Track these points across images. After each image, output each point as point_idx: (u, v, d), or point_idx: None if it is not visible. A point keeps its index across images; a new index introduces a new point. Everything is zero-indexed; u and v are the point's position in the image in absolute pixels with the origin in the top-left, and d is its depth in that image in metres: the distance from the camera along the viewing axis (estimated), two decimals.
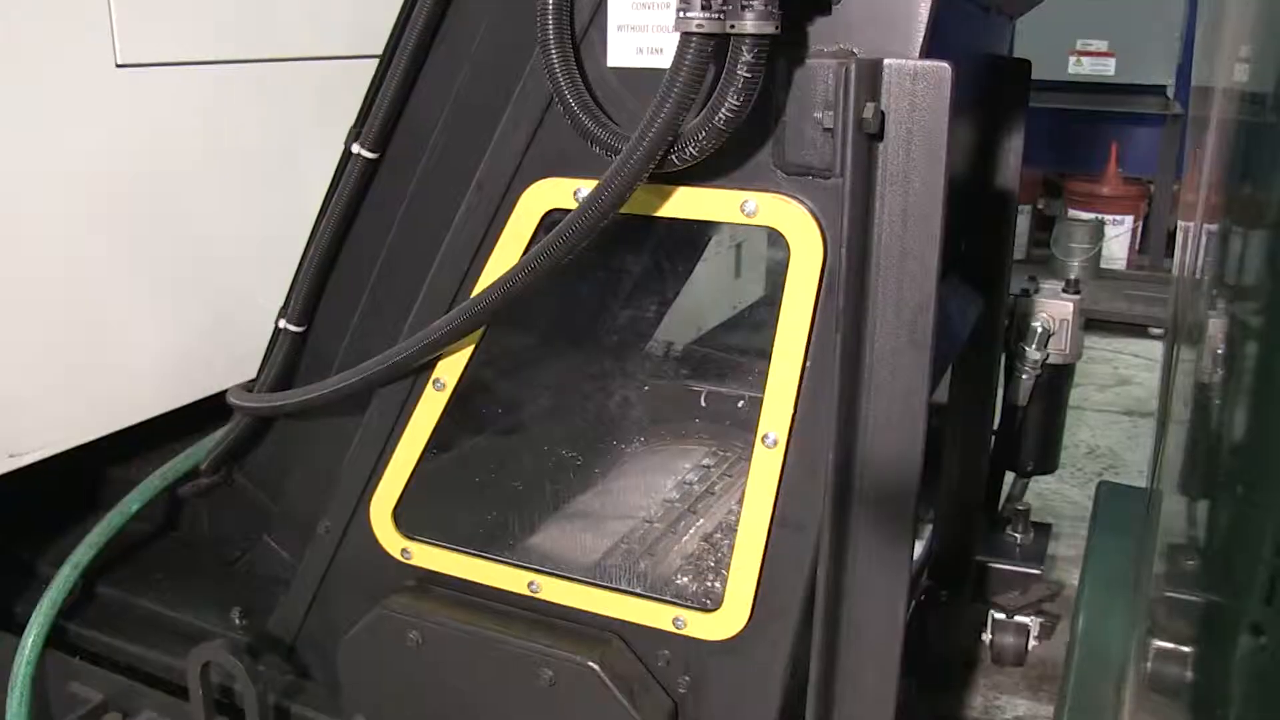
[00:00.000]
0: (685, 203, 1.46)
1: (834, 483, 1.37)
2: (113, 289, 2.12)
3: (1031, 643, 2.67)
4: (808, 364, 1.42)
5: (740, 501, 2.06)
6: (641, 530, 2.04)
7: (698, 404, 2.41)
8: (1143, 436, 4.69)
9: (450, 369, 1.68)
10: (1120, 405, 5.05)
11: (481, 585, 1.73)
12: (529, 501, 2.08)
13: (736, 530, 1.54)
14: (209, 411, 2.30)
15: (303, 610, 1.99)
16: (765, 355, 1.46)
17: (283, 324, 2.03)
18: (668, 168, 1.38)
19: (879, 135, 1.29)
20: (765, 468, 1.47)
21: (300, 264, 2.01)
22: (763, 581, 1.51)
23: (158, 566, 2.31)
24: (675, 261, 2.54)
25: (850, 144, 1.28)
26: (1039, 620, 2.66)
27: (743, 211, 1.42)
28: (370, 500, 1.80)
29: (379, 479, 1.78)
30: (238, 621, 2.04)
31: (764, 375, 1.47)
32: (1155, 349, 5.80)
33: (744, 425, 2.25)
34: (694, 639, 1.59)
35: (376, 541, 1.81)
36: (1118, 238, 7.40)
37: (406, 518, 1.79)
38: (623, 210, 1.41)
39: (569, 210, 1.45)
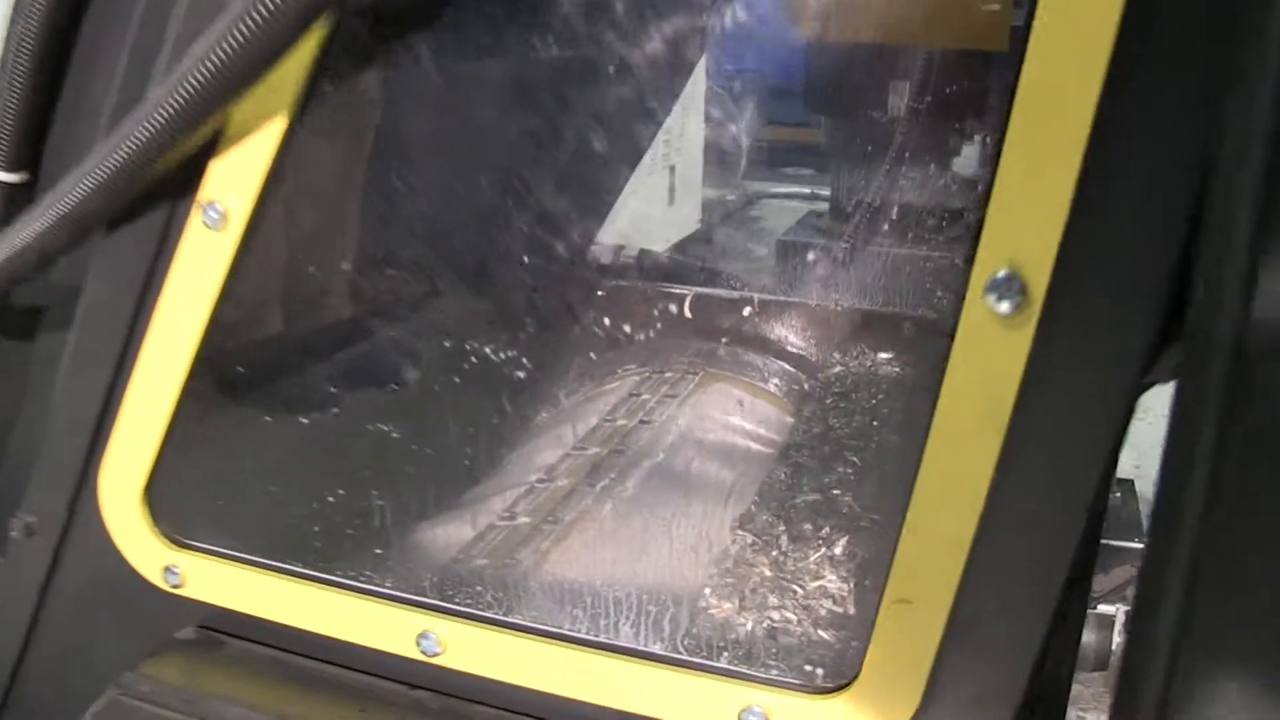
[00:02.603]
0: None
1: (1181, 413, 0.53)
2: None
3: (1115, 639, 1.98)
4: (1087, 170, 0.57)
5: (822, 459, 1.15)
6: (642, 528, 1.12)
7: (677, 313, 1.53)
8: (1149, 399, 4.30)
9: (235, 181, 0.79)
10: None
11: (324, 639, 0.85)
12: (413, 476, 1.13)
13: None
14: None
15: (9, 666, 1.10)
16: None
17: None
18: None
19: None
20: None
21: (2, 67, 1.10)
22: (954, 633, 0.68)
23: None
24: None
25: None
26: (1125, 608, 1.98)
27: None
28: (99, 472, 0.90)
29: (111, 429, 0.88)
30: None
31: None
32: None
33: (750, 340, 1.39)
34: None
35: (117, 552, 0.91)
36: None
37: (171, 507, 0.90)
38: None
39: None
